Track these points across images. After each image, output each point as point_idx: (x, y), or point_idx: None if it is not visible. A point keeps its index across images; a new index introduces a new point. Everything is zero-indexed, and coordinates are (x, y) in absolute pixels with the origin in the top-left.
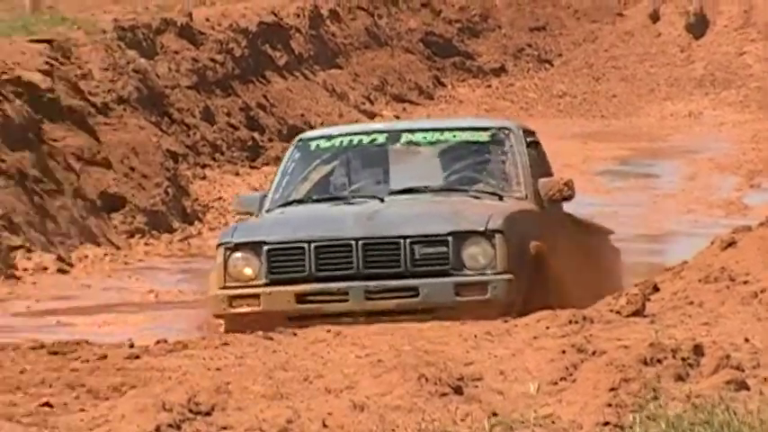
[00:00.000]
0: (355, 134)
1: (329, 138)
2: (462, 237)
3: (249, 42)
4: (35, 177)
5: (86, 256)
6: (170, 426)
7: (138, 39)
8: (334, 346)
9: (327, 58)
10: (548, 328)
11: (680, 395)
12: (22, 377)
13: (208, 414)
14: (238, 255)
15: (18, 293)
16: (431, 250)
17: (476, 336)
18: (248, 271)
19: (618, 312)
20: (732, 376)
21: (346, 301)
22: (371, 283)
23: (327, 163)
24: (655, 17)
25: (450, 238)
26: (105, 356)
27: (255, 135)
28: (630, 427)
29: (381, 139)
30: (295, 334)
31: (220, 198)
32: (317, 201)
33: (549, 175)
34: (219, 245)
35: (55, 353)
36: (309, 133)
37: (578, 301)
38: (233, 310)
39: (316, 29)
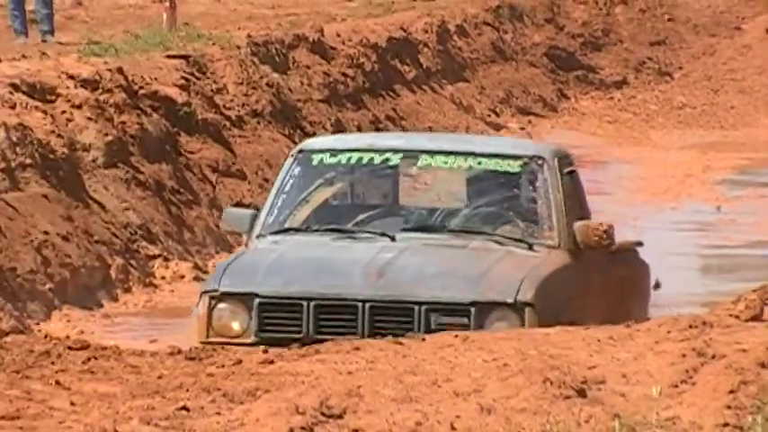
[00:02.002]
0: (365, 151)
1: (335, 152)
2: (487, 308)
3: (379, 57)
4: (172, 188)
5: None
6: (303, 428)
7: (272, 54)
8: (462, 350)
9: (454, 72)
10: (668, 332)
11: None
12: (160, 382)
13: (339, 417)
14: (224, 306)
15: (156, 301)
16: (449, 320)
17: (599, 340)
18: (235, 326)
19: (736, 317)
20: None
21: None
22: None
23: (331, 184)
24: None
25: (472, 309)
26: (240, 361)
27: None
28: (750, 429)
29: (395, 159)
30: (424, 339)
31: None
32: (317, 231)
33: (584, 211)
34: (204, 292)
35: (192, 358)
36: (312, 143)
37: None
38: None
39: (443, 44)
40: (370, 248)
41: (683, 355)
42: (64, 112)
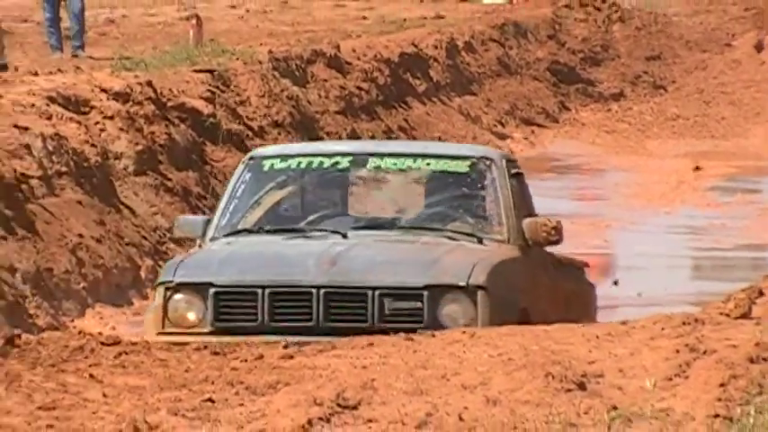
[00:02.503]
0: (315, 155)
1: (285, 158)
2: (440, 292)
3: (391, 71)
4: (198, 194)
5: None
6: (320, 419)
7: (291, 68)
8: (469, 346)
9: (462, 86)
10: (663, 329)
11: None
12: (187, 375)
13: (355, 408)
14: (180, 296)
15: None
16: (403, 305)
17: (597, 337)
18: (191, 316)
19: (726, 315)
20: None
21: None
22: (333, 340)
23: (282, 187)
24: (759, 47)
25: (425, 293)
26: (262, 356)
27: None
28: (739, 419)
29: (345, 163)
30: (433, 335)
31: None
32: (269, 232)
33: (531, 210)
34: (160, 283)
35: (216, 353)
36: (262, 150)
37: None
38: None
39: (452, 59)
40: (322, 243)
41: (677, 351)
42: (97, 123)
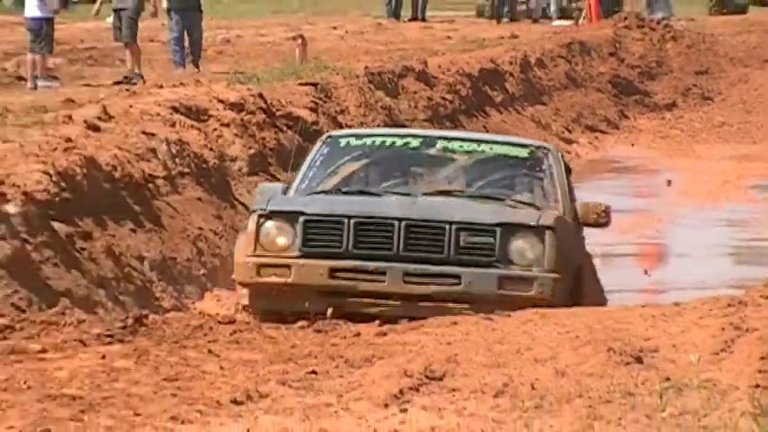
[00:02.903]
0: (388, 136)
1: (359, 137)
2: (511, 229)
3: (472, 84)
4: None
5: None
6: (410, 389)
7: (384, 82)
8: (540, 324)
9: (534, 97)
10: (710, 309)
11: None
12: (293, 350)
13: (440, 379)
14: (272, 223)
15: None
16: (477, 239)
17: (653, 316)
18: (281, 240)
19: (766, 297)
20: None
21: (383, 281)
22: (411, 266)
23: (357, 160)
24: None
25: (498, 229)
26: (359, 334)
27: None
28: None
29: (415, 143)
30: (509, 315)
31: None
32: (345, 193)
33: (575, 200)
34: (253, 211)
35: (319, 331)
36: (339, 131)
37: None
38: (260, 279)
39: (525, 73)
40: (399, 198)
41: (722, 329)
42: (215, 129)
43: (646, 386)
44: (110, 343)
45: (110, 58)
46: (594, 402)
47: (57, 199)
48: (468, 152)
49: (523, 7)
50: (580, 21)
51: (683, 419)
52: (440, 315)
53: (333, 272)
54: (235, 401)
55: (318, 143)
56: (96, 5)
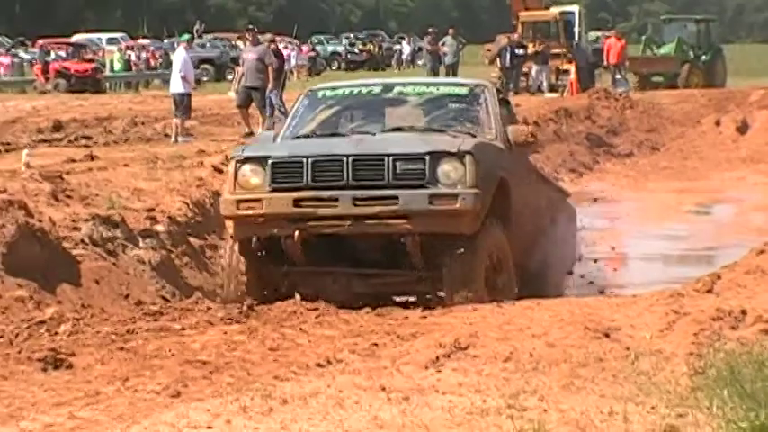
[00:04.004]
0: (356, 86)
1: (333, 89)
2: (437, 156)
3: None
4: None
5: None
6: (444, 356)
7: None
8: (537, 310)
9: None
10: (657, 299)
11: (733, 337)
12: (360, 329)
13: (465, 349)
14: (246, 167)
15: None
16: (410, 167)
17: (617, 304)
18: (255, 180)
19: (697, 291)
20: (764, 327)
21: (336, 206)
22: (359, 192)
23: (331, 108)
24: (717, 123)
25: (427, 157)
26: (407, 317)
27: None
28: (705, 355)
29: (377, 90)
30: (514, 304)
31: None
32: (321, 135)
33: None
34: (231, 158)
35: (379, 315)
36: (318, 86)
37: (532, 232)
38: (239, 212)
39: None
40: (353, 137)
41: (666, 314)
42: None
43: (612, 354)
44: (230, 323)
45: (230, 120)
46: (575, 366)
47: (192, 221)
48: (419, 94)
49: (524, 84)
50: (564, 93)
51: (639, 378)
52: (384, 231)
53: (296, 202)
54: (319, 365)
55: (301, 96)
56: (234, 86)
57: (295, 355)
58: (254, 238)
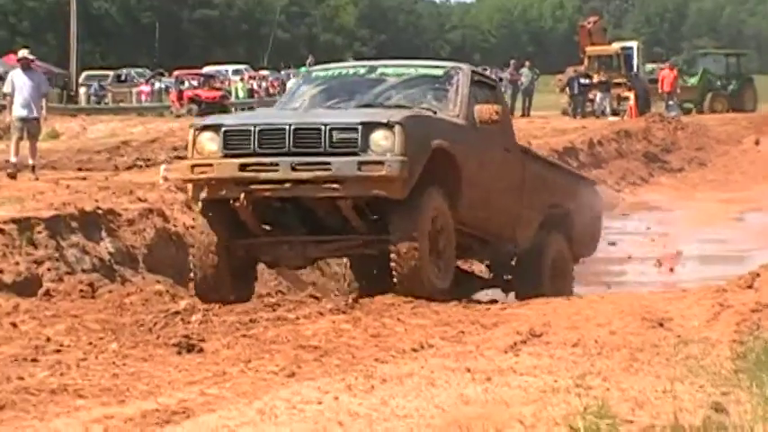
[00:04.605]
0: (345, 67)
1: (326, 69)
2: (369, 126)
3: (558, 156)
4: None
5: None
6: (521, 342)
7: None
8: (600, 302)
9: (596, 163)
10: (705, 293)
11: None
12: (449, 318)
13: (539, 336)
14: (203, 134)
15: None
16: (344, 135)
17: (669, 298)
18: (210, 146)
19: (740, 286)
20: None
21: (277, 171)
22: (297, 158)
23: (318, 86)
24: (757, 142)
25: (360, 127)
26: (489, 308)
27: None
28: (747, 342)
29: (362, 71)
30: (581, 297)
31: None
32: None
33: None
34: (191, 126)
35: (465, 307)
36: (315, 67)
37: (504, 207)
38: (193, 176)
39: (591, 149)
40: (293, 110)
41: (713, 306)
42: None
43: (665, 341)
44: (337, 314)
45: None
46: (634, 351)
47: None
48: (398, 75)
49: (589, 108)
50: (624, 117)
51: (688, 361)
52: (319, 195)
53: (241, 166)
54: (413, 349)
55: (298, 77)
56: None
57: (393, 341)
58: (220, 212)
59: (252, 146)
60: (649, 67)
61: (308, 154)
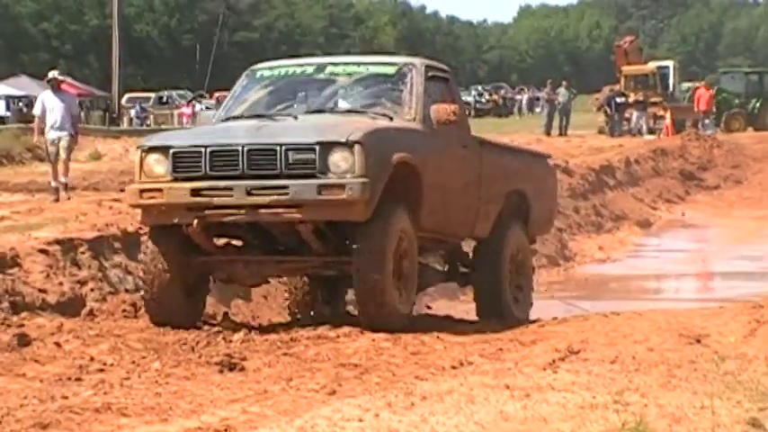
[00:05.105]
0: (291, 66)
1: (271, 68)
2: (327, 146)
3: (595, 174)
4: None
5: None
6: (559, 359)
7: None
8: (637, 319)
9: (633, 182)
10: (741, 309)
11: None
12: (488, 336)
13: (577, 353)
14: (150, 156)
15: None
16: (301, 156)
17: (707, 314)
18: (158, 169)
19: None
20: None
21: (231, 196)
22: (252, 182)
23: (265, 88)
24: None
25: (317, 147)
26: (528, 326)
27: None
28: None
29: (310, 70)
30: (618, 314)
31: None
32: (249, 117)
33: (458, 103)
34: (137, 147)
35: (507, 325)
36: (259, 65)
37: (453, 201)
38: (142, 201)
39: (628, 167)
40: (269, 121)
41: (749, 322)
42: None
43: (703, 357)
44: (377, 332)
45: None
46: (671, 367)
47: None
48: (348, 74)
49: (626, 127)
50: (661, 135)
51: (726, 377)
52: (277, 220)
53: (193, 191)
54: (453, 367)
55: (242, 76)
56: None
57: (433, 358)
58: (170, 234)
59: (203, 169)
60: (685, 86)
61: (263, 177)
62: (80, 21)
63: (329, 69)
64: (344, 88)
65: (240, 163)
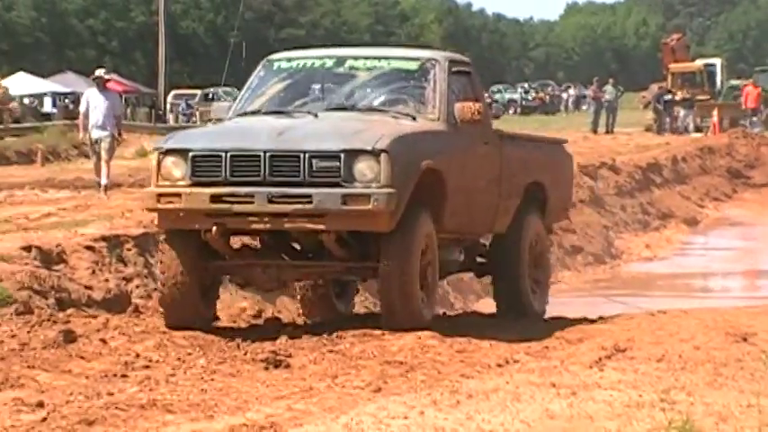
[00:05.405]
0: (310, 58)
1: (289, 59)
2: (353, 154)
3: (642, 172)
4: None
5: None
6: (606, 357)
7: (589, 171)
8: (684, 318)
9: (680, 179)
10: None
11: None
12: (533, 334)
13: (623, 351)
14: (169, 159)
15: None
16: (325, 164)
17: (754, 312)
18: (177, 173)
19: None
20: None
21: (252, 203)
22: (274, 190)
23: (283, 81)
24: None
25: (342, 155)
26: (574, 324)
27: None
28: None
29: (330, 63)
30: (665, 312)
31: None
32: (266, 113)
33: (478, 100)
34: (155, 149)
35: (546, 321)
36: (276, 55)
37: (475, 201)
38: (160, 206)
39: (675, 165)
40: (289, 121)
41: None
42: None
43: (750, 355)
44: (423, 329)
45: None
46: (718, 366)
47: None
48: (369, 69)
49: (673, 125)
50: (708, 133)
51: None
52: (300, 230)
53: (213, 197)
54: (498, 365)
55: (259, 66)
56: None
57: (478, 356)
58: (188, 238)
59: (224, 174)
60: (733, 83)
61: (285, 184)
62: (126, 17)
63: (349, 63)
64: (365, 84)
65: (262, 169)
